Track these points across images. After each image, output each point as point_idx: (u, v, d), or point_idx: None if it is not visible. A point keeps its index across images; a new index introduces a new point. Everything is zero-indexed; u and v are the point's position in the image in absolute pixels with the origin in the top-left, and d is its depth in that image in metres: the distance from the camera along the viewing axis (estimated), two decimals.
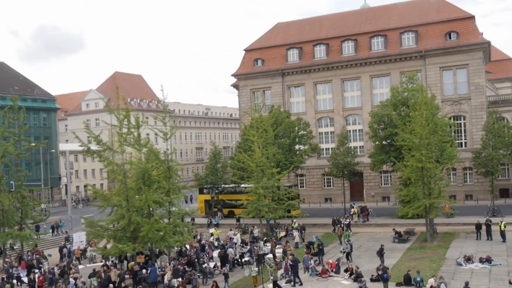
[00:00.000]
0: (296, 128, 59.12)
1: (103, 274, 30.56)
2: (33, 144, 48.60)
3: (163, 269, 32.15)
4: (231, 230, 47.11)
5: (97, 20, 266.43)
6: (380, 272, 28.56)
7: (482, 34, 66.15)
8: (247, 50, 79.39)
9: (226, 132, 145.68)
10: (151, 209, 33.66)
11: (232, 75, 79.27)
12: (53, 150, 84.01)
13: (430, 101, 44.48)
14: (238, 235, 44.51)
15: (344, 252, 36.01)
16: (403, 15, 72.39)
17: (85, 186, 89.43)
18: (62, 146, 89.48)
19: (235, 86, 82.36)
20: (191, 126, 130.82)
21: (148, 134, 66.19)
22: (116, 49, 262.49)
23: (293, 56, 74.67)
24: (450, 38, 65.59)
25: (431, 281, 26.23)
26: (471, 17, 67.01)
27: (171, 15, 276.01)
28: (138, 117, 34.20)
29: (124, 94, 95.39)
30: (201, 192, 64.09)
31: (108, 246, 34.96)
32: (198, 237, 44.84)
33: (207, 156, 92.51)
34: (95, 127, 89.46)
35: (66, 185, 71.38)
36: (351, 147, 60.48)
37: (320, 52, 73.04)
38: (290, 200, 48.13)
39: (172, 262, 34.42)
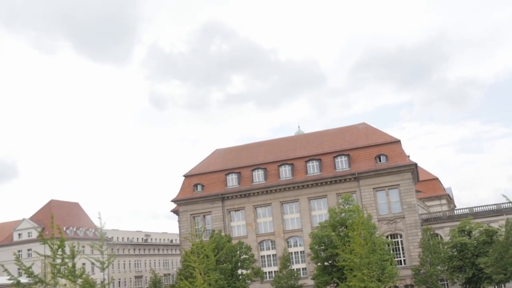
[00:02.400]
0: (238, 252, 58.57)
1: None
2: None
3: None
4: None
5: (32, 147, 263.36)
6: None
7: (409, 156, 70.49)
8: (186, 176, 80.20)
9: (166, 259, 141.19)
10: None
11: (172, 201, 79.03)
12: None
13: (366, 221, 45.77)
14: None
15: None
16: (335, 140, 76.52)
17: None
18: None
19: (175, 211, 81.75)
20: (130, 253, 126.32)
21: (84, 264, 62.97)
22: (52, 177, 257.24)
23: (232, 181, 76.00)
24: (380, 161, 69.36)
25: None
26: (398, 141, 71.69)
27: (108, 141, 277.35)
28: (74, 246, 33.02)
29: (60, 222, 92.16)
30: None
31: None
32: None
33: (147, 285, 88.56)
34: (27, 258, 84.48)
35: None
36: (294, 269, 60.13)
37: (258, 177, 74.87)
38: None
39: None
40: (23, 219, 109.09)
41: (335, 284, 51.05)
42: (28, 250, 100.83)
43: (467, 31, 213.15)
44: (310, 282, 60.80)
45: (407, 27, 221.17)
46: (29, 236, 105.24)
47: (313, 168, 72.51)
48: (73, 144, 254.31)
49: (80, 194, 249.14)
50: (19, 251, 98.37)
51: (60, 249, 31.23)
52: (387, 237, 64.63)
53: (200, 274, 45.82)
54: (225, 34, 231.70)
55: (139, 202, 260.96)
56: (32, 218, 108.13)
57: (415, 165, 69.27)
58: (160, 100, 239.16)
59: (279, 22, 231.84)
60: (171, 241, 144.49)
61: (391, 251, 58.17)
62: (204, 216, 76.26)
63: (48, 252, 32.49)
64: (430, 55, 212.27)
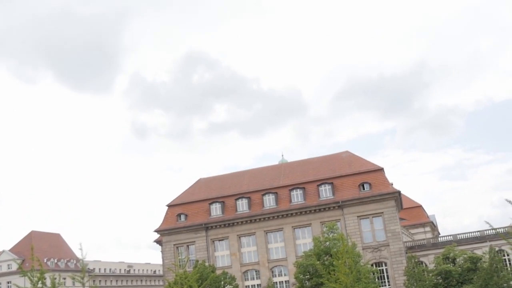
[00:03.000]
0: (222, 282, 57.98)
1: None
2: None
3: None
4: None
5: (13, 177, 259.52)
6: None
7: (392, 184, 70.91)
8: (170, 206, 79.56)
9: None
10: None
11: (155, 231, 78.15)
12: None
13: (351, 249, 45.65)
14: None
15: None
16: (319, 168, 76.79)
17: None
18: None
19: (158, 242, 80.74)
20: (112, 285, 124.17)
21: None
22: (34, 207, 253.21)
23: (216, 210, 75.55)
24: (363, 189, 69.64)
25: None
26: (381, 169, 72.17)
27: (90, 171, 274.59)
28: (55, 279, 32.39)
29: (41, 254, 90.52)
30: None
31: None
32: None
33: None
34: None
35: None
36: None
37: (242, 206, 74.56)
38: None
39: None
40: (3, 251, 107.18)
41: None
42: (8, 282, 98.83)
43: (447, 60, 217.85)
44: None
45: (388, 55, 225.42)
46: (8, 268, 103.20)
47: (297, 197, 72.48)
48: (55, 174, 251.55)
49: (62, 225, 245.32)
50: None
51: (40, 282, 30.61)
52: (372, 265, 64.43)
53: None
54: (207, 63, 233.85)
55: (121, 233, 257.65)
56: (12, 250, 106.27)
57: (399, 192, 69.66)
58: (142, 130, 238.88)
59: (261, 51, 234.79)
60: (154, 271, 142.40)
61: (376, 280, 57.94)
62: (187, 246, 75.42)
63: (28, 285, 31.82)
64: (411, 83, 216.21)
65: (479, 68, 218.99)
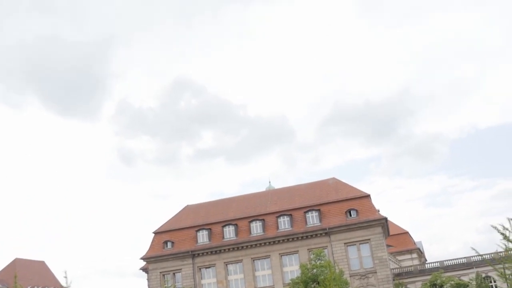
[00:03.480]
0: None
1: None
2: None
3: None
4: None
5: None
6: None
7: (379, 210, 71.14)
8: (156, 233, 78.90)
9: None
10: None
11: (141, 259, 77.30)
12: None
13: (338, 277, 45.69)
14: None
15: None
16: (306, 195, 76.89)
17: None
18: None
19: (144, 269, 79.80)
20: None
21: None
22: (17, 234, 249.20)
23: (202, 237, 75.07)
24: (350, 215, 69.77)
25: None
26: (367, 196, 72.46)
27: (76, 198, 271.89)
28: None
29: (24, 282, 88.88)
30: None
31: None
32: None
33: None
34: None
35: None
36: None
37: (229, 233, 74.21)
38: None
39: None
40: None
41: None
42: None
43: (430, 87, 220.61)
44: None
45: (373, 83, 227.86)
46: None
47: (284, 224, 72.35)
48: (41, 200, 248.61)
49: (46, 252, 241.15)
50: None
51: None
52: None
53: None
54: (194, 90, 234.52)
55: (107, 260, 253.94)
56: None
57: (385, 219, 69.85)
58: (129, 156, 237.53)
59: (248, 78, 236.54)
60: None
61: None
62: (174, 273, 74.61)
63: None
64: (396, 110, 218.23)
65: (463, 95, 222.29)
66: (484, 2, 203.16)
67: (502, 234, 24.58)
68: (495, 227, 24.84)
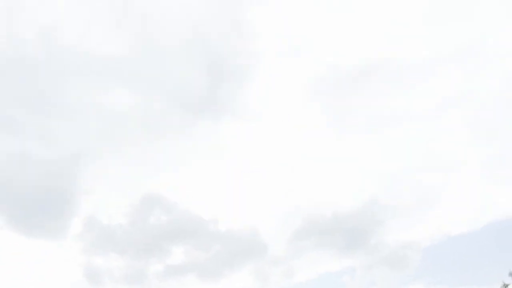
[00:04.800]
0: None
1: None
2: None
3: None
4: None
5: None
6: None
7: None
8: None
9: None
10: None
11: None
12: None
13: None
14: None
15: None
16: None
17: None
18: None
19: None
20: None
21: None
22: None
23: None
24: None
25: None
26: None
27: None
28: None
29: None
30: None
31: None
32: None
33: None
34: None
35: None
36: None
37: None
38: None
39: None
40: None
41: None
42: None
43: (397, 197, 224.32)
44: None
45: (341, 195, 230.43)
46: None
47: None
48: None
49: None
50: None
51: None
52: None
53: None
54: (164, 206, 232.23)
55: None
56: None
57: None
58: (95, 274, 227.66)
59: (218, 193, 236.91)
60: None
61: None
62: None
63: None
64: (366, 221, 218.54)
65: (429, 204, 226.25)
66: (448, 116, 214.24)
67: None
68: None
